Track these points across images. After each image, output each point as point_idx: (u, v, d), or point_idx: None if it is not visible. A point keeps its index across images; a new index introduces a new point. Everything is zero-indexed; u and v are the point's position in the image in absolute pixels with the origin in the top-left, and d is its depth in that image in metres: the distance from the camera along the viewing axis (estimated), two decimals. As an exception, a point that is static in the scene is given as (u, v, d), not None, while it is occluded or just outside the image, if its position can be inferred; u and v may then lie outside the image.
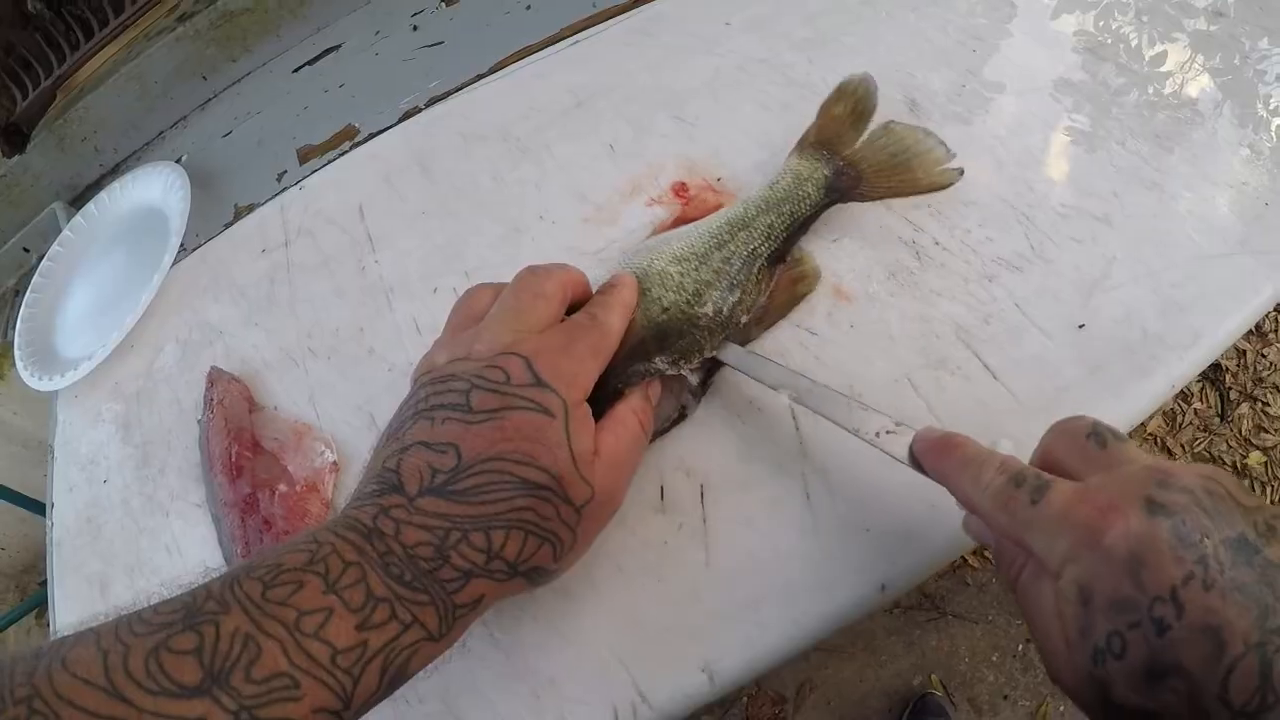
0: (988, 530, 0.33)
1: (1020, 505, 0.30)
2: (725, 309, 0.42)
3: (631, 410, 0.39)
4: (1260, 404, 1.32)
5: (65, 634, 0.28)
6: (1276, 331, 1.37)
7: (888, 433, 0.36)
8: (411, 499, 0.33)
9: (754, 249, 0.44)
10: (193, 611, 0.28)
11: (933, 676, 1.18)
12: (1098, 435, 0.31)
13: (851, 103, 0.47)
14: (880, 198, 0.46)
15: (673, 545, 0.41)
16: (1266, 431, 1.31)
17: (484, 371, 0.35)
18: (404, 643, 0.30)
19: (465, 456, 0.33)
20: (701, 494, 0.42)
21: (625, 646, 0.39)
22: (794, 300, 0.45)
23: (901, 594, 0.39)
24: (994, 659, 1.18)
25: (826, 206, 0.46)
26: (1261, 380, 1.33)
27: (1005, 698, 1.16)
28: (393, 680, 0.31)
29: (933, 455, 0.34)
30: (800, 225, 0.45)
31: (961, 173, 0.45)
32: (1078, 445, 0.31)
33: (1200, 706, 0.25)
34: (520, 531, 0.33)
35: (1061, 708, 1.13)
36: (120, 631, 0.27)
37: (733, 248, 0.44)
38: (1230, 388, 1.34)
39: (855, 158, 0.46)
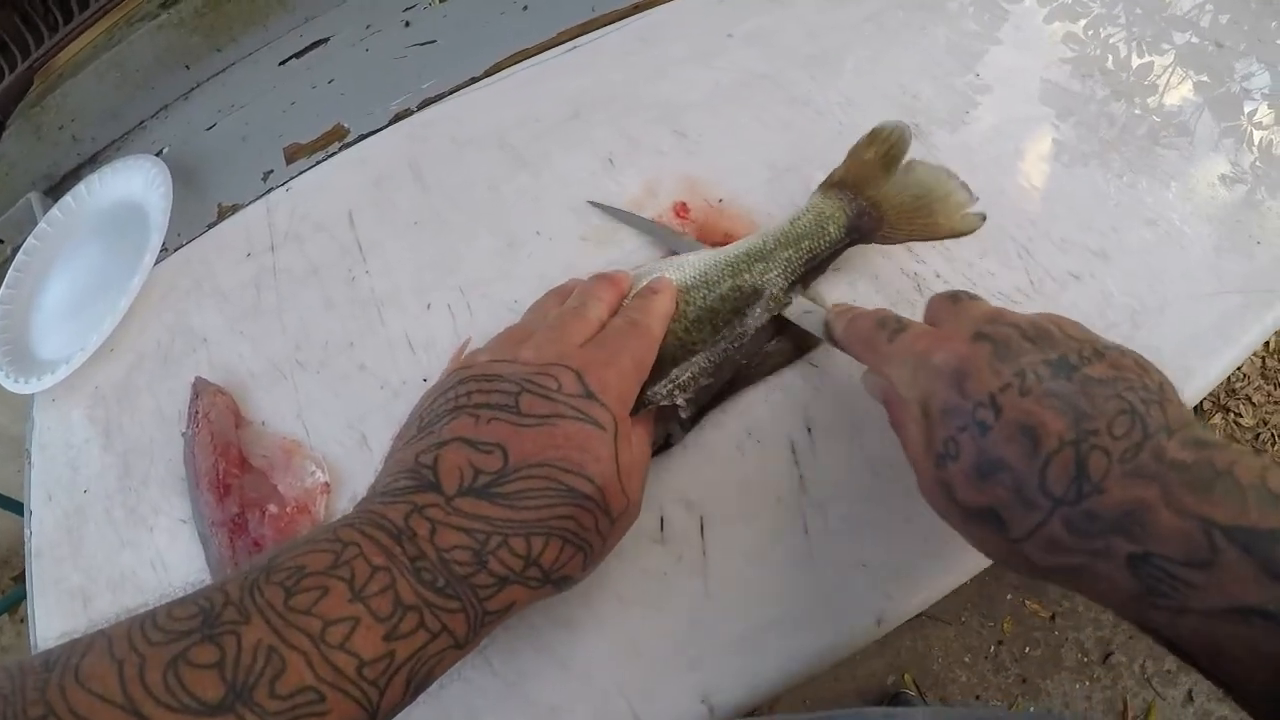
0: (878, 383, 0.37)
1: (880, 342, 0.36)
2: (725, 342, 0.42)
3: (644, 426, 0.40)
4: (1233, 415, 1.35)
5: (76, 637, 0.27)
6: (1251, 345, 1.40)
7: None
8: (449, 498, 0.32)
9: (768, 279, 0.43)
10: (210, 619, 0.27)
11: (906, 675, 1.20)
12: (954, 295, 0.36)
13: (885, 149, 0.46)
14: (901, 241, 0.45)
15: (672, 576, 0.41)
16: (1238, 441, 1.34)
17: (534, 376, 0.35)
18: (431, 651, 0.30)
19: (513, 459, 0.33)
20: (701, 526, 0.42)
21: (625, 676, 0.39)
22: (801, 349, 0.45)
23: (896, 626, 0.40)
24: (966, 660, 1.20)
25: (846, 247, 0.45)
26: (1234, 392, 1.37)
27: (977, 697, 1.18)
28: (417, 689, 0.30)
29: (838, 324, 0.40)
30: (818, 265, 0.45)
31: (984, 218, 0.44)
32: (941, 303, 0.36)
33: (1026, 498, 0.28)
34: (559, 539, 0.33)
35: (1031, 708, 1.16)
36: (134, 639, 0.26)
37: (747, 278, 0.43)
38: (1203, 398, 1.37)
39: (878, 199, 0.45)
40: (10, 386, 0.60)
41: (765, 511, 0.42)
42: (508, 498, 0.32)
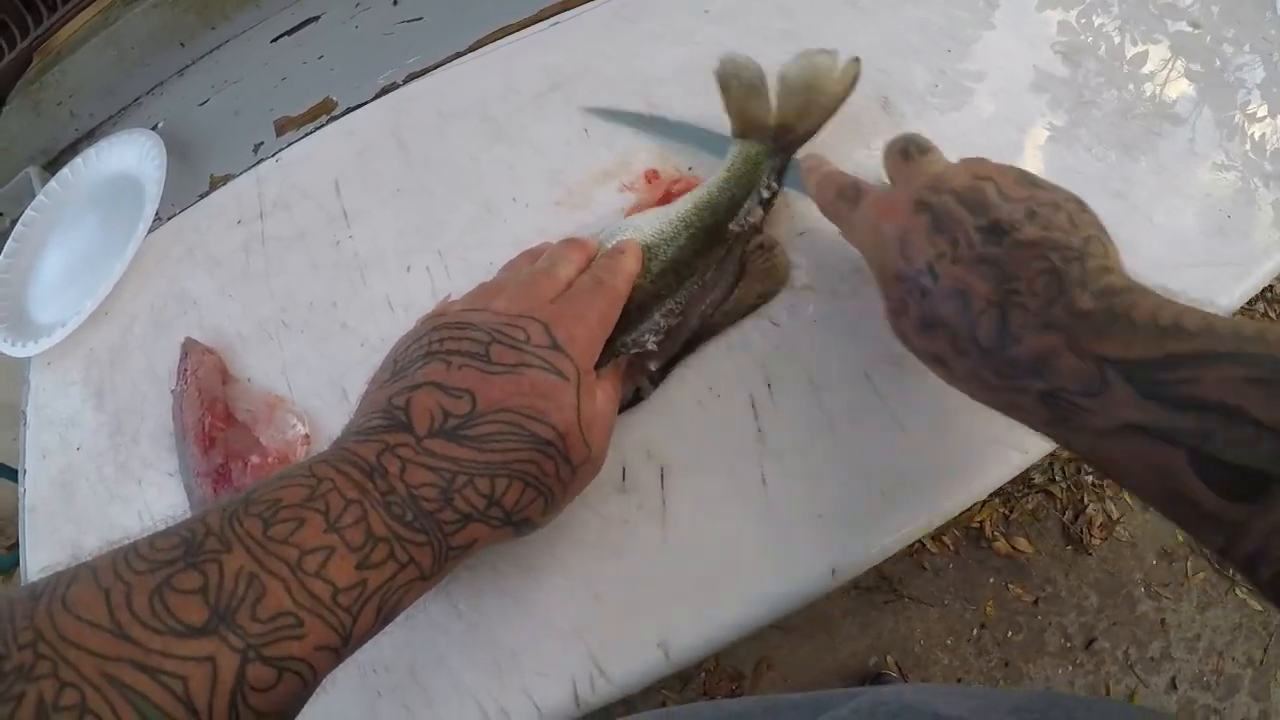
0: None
1: (843, 212, 0.41)
2: (689, 289, 0.44)
3: (610, 381, 0.41)
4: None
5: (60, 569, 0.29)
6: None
7: None
8: (420, 439, 0.34)
9: (719, 221, 0.46)
10: (193, 549, 0.28)
11: (888, 657, 1.21)
12: (905, 150, 0.39)
13: (743, 90, 0.51)
14: (819, 126, 0.49)
15: (633, 524, 0.42)
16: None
17: (503, 327, 0.37)
18: (399, 582, 0.32)
19: (480, 404, 0.34)
20: (662, 476, 0.43)
21: (584, 621, 0.41)
22: (763, 295, 0.47)
23: (851, 578, 0.41)
24: (948, 642, 1.21)
25: (781, 170, 0.49)
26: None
27: (959, 680, 1.19)
28: (386, 617, 0.32)
29: (808, 182, 0.45)
30: (760, 198, 0.48)
31: (857, 60, 0.49)
32: (893, 159, 0.40)
33: (960, 348, 0.33)
34: (520, 482, 0.34)
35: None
36: (119, 568, 0.28)
37: (699, 226, 0.46)
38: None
39: (777, 119, 0.50)
40: (8, 350, 0.61)
41: (724, 463, 0.43)
42: (474, 440, 0.34)
